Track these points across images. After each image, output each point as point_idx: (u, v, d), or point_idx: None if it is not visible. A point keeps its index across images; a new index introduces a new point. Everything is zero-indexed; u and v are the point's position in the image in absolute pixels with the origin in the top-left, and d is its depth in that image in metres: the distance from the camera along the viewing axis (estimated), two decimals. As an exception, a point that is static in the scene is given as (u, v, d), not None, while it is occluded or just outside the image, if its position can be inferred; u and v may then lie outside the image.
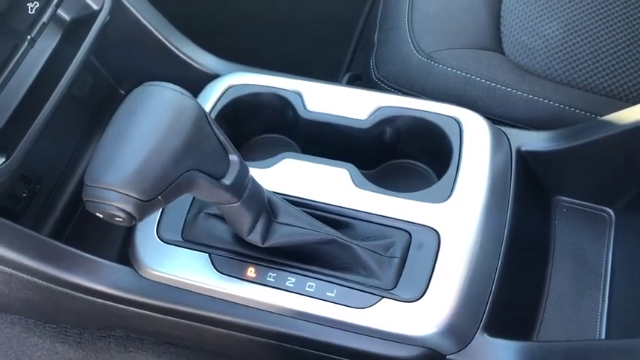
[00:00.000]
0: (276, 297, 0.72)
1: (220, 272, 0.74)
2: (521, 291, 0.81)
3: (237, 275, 0.73)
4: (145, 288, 0.76)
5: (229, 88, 0.89)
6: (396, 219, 0.75)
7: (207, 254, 0.75)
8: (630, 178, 0.84)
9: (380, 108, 0.85)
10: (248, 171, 0.65)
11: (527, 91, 0.95)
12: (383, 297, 0.70)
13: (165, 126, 0.56)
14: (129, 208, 0.54)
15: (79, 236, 0.94)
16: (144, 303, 0.76)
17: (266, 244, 0.71)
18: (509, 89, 0.95)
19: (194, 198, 0.79)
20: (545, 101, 0.94)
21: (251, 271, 0.73)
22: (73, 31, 0.82)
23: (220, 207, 0.66)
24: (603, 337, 0.81)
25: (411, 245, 0.73)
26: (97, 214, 0.56)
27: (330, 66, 1.34)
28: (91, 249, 0.78)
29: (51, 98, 0.76)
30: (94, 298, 0.77)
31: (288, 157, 0.82)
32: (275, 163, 0.81)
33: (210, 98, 0.88)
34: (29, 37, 0.74)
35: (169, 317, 0.77)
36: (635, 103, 0.89)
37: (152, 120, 0.56)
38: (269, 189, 0.71)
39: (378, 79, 1.01)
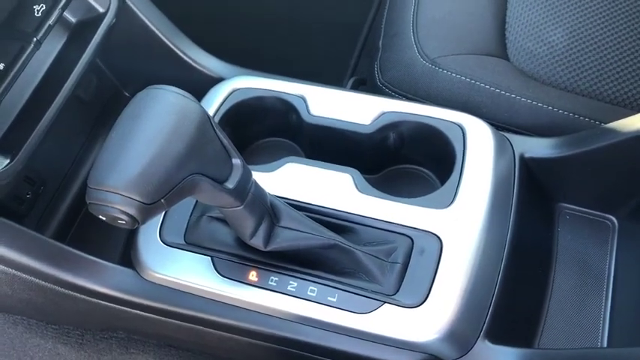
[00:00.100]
0: (278, 301, 0.72)
1: (222, 275, 0.74)
2: (523, 298, 0.81)
3: (239, 279, 0.73)
4: (147, 290, 0.76)
5: (233, 91, 0.89)
6: (398, 224, 0.75)
7: (209, 257, 0.75)
8: (634, 186, 0.84)
9: (384, 113, 0.85)
10: (251, 175, 0.65)
11: (532, 98, 0.94)
12: (384, 302, 0.70)
13: (169, 130, 0.56)
14: (132, 211, 0.54)
15: (82, 238, 0.94)
16: (146, 305, 0.77)
17: (268, 248, 0.71)
18: (513, 95, 0.95)
19: (197, 201, 0.79)
20: (550, 108, 0.94)
21: (253, 275, 0.73)
22: (79, 34, 0.83)
23: (223, 210, 0.66)
24: (605, 344, 0.80)
25: (413, 251, 0.73)
26: (100, 216, 0.56)
27: (334, 70, 1.35)
28: (94, 251, 0.78)
29: (56, 100, 0.76)
30: (97, 300, 0.77)
31: (291, 162, 0.82)
32: (278, 167, 0.82)
33: (215, 101, 0.88)
34: (35, 39, 0.75)
35: (171, 320, 0.77)
36: (639, 111, 0.89)
37: (156, 123, 0.56)
38: (272, 193, 0.72)
39: (382, 84, 1.01)
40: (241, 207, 0.64)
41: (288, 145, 0.93)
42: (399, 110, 0.85)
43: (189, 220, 0.78)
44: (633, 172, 0.82)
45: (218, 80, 0.92)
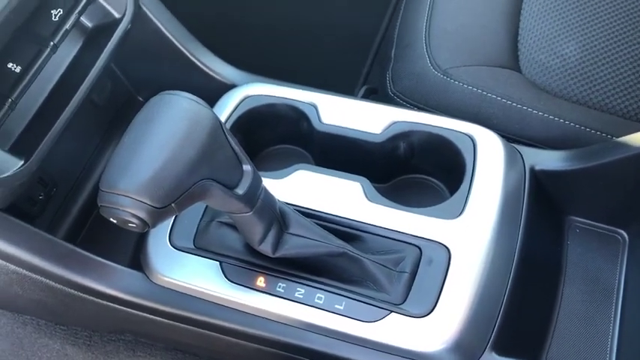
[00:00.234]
0: (285, 307, 0.72)
1: (230, 281, 0.74)
2: (531, 310, 0.81)
3: (247, 284, 0.73)
4: (155, 294, 0.77)
5: (246, 98, 0.90)
6: (407, 234, 0.75)
7: (218, 262, 0.75)
8: (645, 201, 0.83)
9: (394, 123, 0.85)
10: (261, 181, 0.65)
11: (543, 110, 0.94)
12: (391, 311, 0.70)
13: (181, 135, 0.56)
14: (142, 215, 0.55)
15: (92, 240, 0.95)
16: (154, 308, 0.77)
17: (276, 255, 0.71)
18: (525, 108, 0.95)
19: (207, 206, 0.79)
20: (561, 121, 0.94)
21: (261, 281, 0.73)
22: (95, 38, 0.84)
23: (233, 216, 0.67)
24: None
25: (422, 261, 0.73)
26: (111, 219, 0.57)
27: (347, 79, 1.35)
28: (104, 253, 0.79)
29: (70, 104, 0.77)
30: (105, 302, 0.78)
31: (302, 169, 0.82)
32: (288, 174, 0.82)
33: (227, 108, 0.89)
34: (52, 43, 0.76)
35: (178, 324, 0.78)
36: (652, 125, 0.89)
37: (168, 129, 0.57)
38: (281, 200, 0.72)
39: (393, 93, 1.01)
40: (251, 213, 0.65)
41: (298, 153, 0.93)
42: (409, 120, 0.85)
43: (198, 224, 0.78)
44: (644, 187, 0.82)
45: (231, 87, 0.93)
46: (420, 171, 0.89)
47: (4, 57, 0.73)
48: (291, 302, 0.72)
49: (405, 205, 0.78)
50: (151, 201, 0.54)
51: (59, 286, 0.76)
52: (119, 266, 0.78)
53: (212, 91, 0.91)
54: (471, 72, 0.97)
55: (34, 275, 0.75)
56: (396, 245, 0.75)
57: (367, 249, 0.75)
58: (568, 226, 0.89)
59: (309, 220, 0.73)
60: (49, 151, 0.74)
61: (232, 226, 0.77)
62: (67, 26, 0.78)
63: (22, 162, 0.71)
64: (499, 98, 0.95)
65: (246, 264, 0.74)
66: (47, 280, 0.76)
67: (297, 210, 0.74)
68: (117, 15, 0.85)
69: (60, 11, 0.78)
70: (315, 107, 0.87)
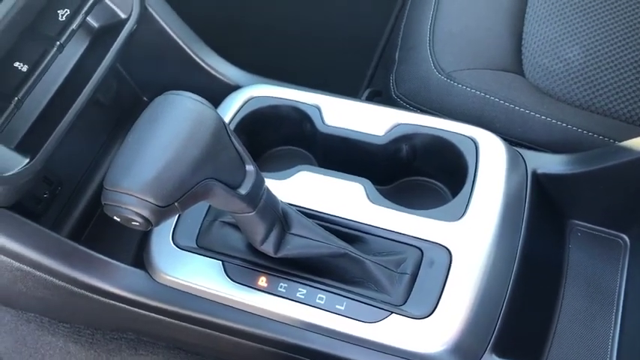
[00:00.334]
0: (287, 307, 0.73)
1: (233, 280, 0.74)
2: (531, 313, 0.81)
3: (248, 284, 0.74)
4: (157, 292, 0.77)
5: (250, 99, 0.90)
6: (408, 235, 0.76)
7: (220, 262, 0.76)
8: (647, 205, 0.83)
9: (397, 125, 0.85)
10: (264, 182, 0.66)
11: (546, 114, 0.95)
12: (392, 312, 0.70)
13: (185, 135, 0.57)
14: (146, 213, 0.55)
15: (96, 239, 0.95)
16: (156, 307, 0.77)
17: (278, 255, 0.71)
18: (527, 111, 0.95)
19: (210, 206, 0.80)
20: (564, 125, 0.94)
21: (262, 281, 0.74)
22: (101, 39, 0.84)
23: (235, 216, 0.67)
24: (614, 363, 0.80)
25: (423, 262, 0.73)
26: (115, 217, 0.57)
27: (350, 81, 1.35)
28: (108, 252, 0.79)
29: (76, 103, 0.78)
30: (108, 300, 0.78)
31: (304, 170, 0.83)
32: (291, 175, 0.82)
33: (231, 109, 0.89)
34: (58, 43, 0.77)
35: (180, 322, 0.78)
36: (654, 130, 0.89)
37: (172, 128, 0.57)
38: (284, 200, 0.72)
39: (397, 96, 1.02)
40: (253, 213, 0.65)
41: (301, 154, 0.93)
42: (412, 122, 0.85)
43: (201, 224, 0.79)
44: (646, 191, 0.82)
45: (235, 88, 0.94)
46: (422, 173, 0.89)
47: (10, 56, 0.74)
48: (292, 302, 0.73)
49: (407, 206, 0.79)
50: (154, 200, 0.55)
51: (63, 283, 0.77)
52: (122, 264, 0.79)
53: (216, 91, 0.92)
54: (475, 75, 0.98)
55: (38, 273, 0.76)
56: (397, 247, 0.75)
57: (369, 250, 0.75)
58: (569, 230, 0.89)
59: (311, 220, 0.74)
60: (54, 149, 0.75)
61: (235, 226, 0.77)
62: (74, 26, 0.78)
63: (27, 160, 0.71)
64: (502, 101, 0.96)
65: (249, 264, 0.75)
66: (51, 278, 0.76)
67: (300, 211, 0.75)
68: (123, 15, 0.85)
69: (67, 11, 0.79)
70: (319, 109, 0.88)
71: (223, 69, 0.97)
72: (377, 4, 1.43)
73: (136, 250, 0.85)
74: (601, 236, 0.88)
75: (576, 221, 0.89)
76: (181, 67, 0.97)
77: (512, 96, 0.96)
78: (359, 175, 0.82)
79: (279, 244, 0.71)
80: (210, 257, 0.76)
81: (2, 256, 0.74)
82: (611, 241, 0.88)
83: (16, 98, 0.72)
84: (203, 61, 0.96)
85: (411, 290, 0.72)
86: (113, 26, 0.85)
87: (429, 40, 1.02)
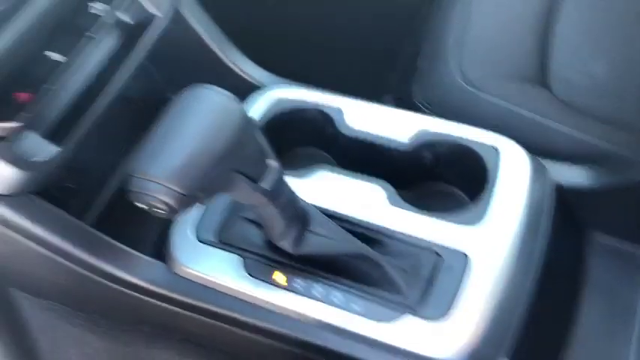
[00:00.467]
0: (302, 304, 0.73)
1: (251, 275, 0.75)
2: (548, 323, 0.80)
3: (266, 279, 0.75)
4: (176, 284, 0.78)
5: (272, 100, 0.91)
6: (426, 239, 0.76)
7: (240, 257, 0.76)
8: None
9: (421, 131, 0.86)
10: (285, 178, 0.67)
11: (571, 127, 0.94)
12: (406, 313, 0.70)
13: (212, 127, 0.58)
14: (171, 201, 0.56)
15: (117, 229, 0.97)
16: (173, 299, 0.78)
17: (297, 252, 0.72)
18: (551, 124, 0.94)
19: (232, 201, 0.81)
20: (589, 138, 0.93)
21: (280, 277, 0.74)
22: (133, 35, 0.86)
23: (256, 210, 0.68)
24: (631, 380, 0.79)
25: (440, 266, 0.73)
26: (139, 204, 0.58)
27: (372, 86, 1.35)
28: (128, 242, 0.81)
29: (105, 96, 0.80)
30: (126, 290, 0.79)
31: (323, 170, 0.83)
32: (311, 175, 0.83)
33: (255, 107, 0.91)
34: (91, 35, 0.79)
35: (197, 315, 0.79)
36: (680, 145, 0.88)
37: (199, 120, 0.58)
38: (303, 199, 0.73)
39: (420, 103, 1.02)
40: (273, 207, 0.66)
41: (322, 156, 0.94)
42: (435, 129, 0.86)
43: (223, 219, 0.80)
44: (669, 206, 0.81)
45: (258, 88, 0.95)
46: (444, 179, 0.89)
47: (44, 46, 0.76)
48: (308, 299, 0.73)
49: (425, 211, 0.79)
50: (180, 188, 0.56)
51: (85, 272, 0.78)
52: (142, 255, 0.80)
53: (241, 91, 0.93)
54: (499, 85, 0.98)
55: (59, 258, 0.77)
56: (415, 250, 0.75)
57: (386, 252, 0.75)
58: (590, 242, 0.88)
59: (330, 219, 0.74)
60: (83, 140, 0.77)
61: (256, 223, 0.78)
62: (107, 20, 0.81)
63: (58, 149, 0.73)
64: (525, 112, 0.95)
65: (267, 260, 0.76)
66: (72, 265, 0.77)
67: (318, 209, 0.75)
68: (156, 13, 0.87)
69: (101, 6, 0.81)
70: (341, 112, 0.88)
71: (249, 69, 0.98)
72: (400, 11, 1.43)
73: (156, 241, 0.87)
74: (622, 249, 0.87)
75: (598, 234, 0.89)
76: (209, 67, 0.98)
77: (536, 107, 0.96)
78: (378, 178, 0.82)
79: (297, 241, 0.72)
80: (229, 252, 0.77)
81: (28, 242, 0.75)
82: (632, 254, 0.87)
83: (48, 87, 0.74)
84: (230, 61, 0.97)
85: (426, 293, 0.72)
86: (145, 24, 0.87)
87: (453, 48, 1.02)
